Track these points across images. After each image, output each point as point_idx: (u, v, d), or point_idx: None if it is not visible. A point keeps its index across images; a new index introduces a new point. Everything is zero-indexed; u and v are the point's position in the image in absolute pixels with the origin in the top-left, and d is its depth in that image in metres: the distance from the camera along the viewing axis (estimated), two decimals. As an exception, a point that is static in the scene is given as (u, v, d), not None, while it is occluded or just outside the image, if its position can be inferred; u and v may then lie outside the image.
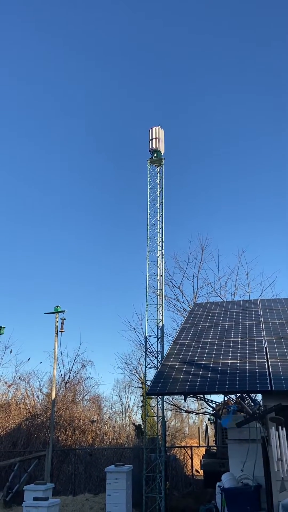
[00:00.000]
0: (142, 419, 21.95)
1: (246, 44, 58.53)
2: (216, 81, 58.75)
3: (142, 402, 22.76)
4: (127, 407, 31.15)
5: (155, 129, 15.90)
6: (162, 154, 15.84)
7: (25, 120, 59.83)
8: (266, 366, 8.08)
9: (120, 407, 31.07)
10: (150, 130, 15.94)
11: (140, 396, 24.16)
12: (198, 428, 26.23)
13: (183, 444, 22.75)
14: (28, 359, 25.19)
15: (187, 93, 59.45)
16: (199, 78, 59.33)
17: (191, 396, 9.27)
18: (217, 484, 9.33)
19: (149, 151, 15.89)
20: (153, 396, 16.91)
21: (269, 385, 7.26)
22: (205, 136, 56.70)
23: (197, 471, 15.19)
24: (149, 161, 15.79)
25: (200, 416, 25.84)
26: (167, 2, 56.90)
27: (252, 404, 10.23)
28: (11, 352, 22.37)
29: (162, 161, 15.72)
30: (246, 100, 58.16)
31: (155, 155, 15.77)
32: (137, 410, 28.63)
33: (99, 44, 60.18)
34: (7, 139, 56.12)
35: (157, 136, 15.82)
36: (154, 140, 15.80)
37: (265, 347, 9.13)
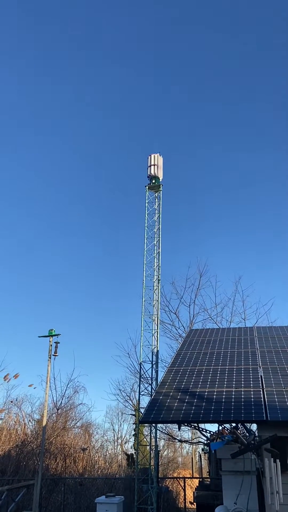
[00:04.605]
0: (134, 448, 21.50)
1: (247, 76, 60.13)
2: (218, 109, 60.06)
3: (134, 430, 22.31)
4: (119, 435, 30.54)
5: (154, 156, 16.18)
6: (161, 180, 16.06)
7: (20, 143, 60.65)
8: (262, 395, 7.97)
9: (112, 435, 30.45)
10: (149, 157, 16.22)
11: (133, 424, 23.71)
12: (192, 458, 25.67)
13: (175, 474, 22.20)
14: (31, 386, 24.79)
15: (187, 120, 60.63)
16: (200, 102, 60.65)
17: (185, 425, 9.12)
18: (210, 517, 9.08)
19: (148, 177, 16.13)
20: (146, 425, 16.62)
21: (264, 415, 7.15)
22: (206, 164, 57.52)
23: (190, 502, 14.79)
24: (147, 187, 15.99)
25: (194, 446, 25.35)
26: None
27: (247, 434, 10.05)
28: (8, 380, 21.74)
29: (160, 187, 15.93)
30: (246, 126, 59.35)
31: (153, 181, 16.01)
32: (130, 438, 28.08)
33: (98, 65, 61.67)
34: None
35: (156, 163, 16.08)
36: (152, 167, 16.05)
37: (261, 376, 9.04)
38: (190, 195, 54.01)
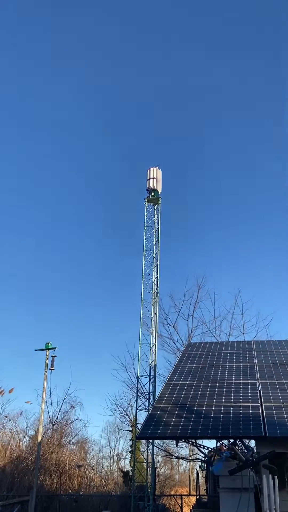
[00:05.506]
0: (131, 465, 21.12)
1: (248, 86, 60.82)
2: (219, 119, 60.58)
3: (131, 446, 21.94)
4: (115, 452, 30.07)
5: (153, 169, 16.25)
6: (159, 193, 16.11)
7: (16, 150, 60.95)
8: (260, 411, 7.85)
9: (109, 451, 29.99)
10: (148, 170, 16.29)
11: (130, 440, 23.34)
12: (189, 475, 25.25)
13: (172, 492, 21.81)
14: (28, 403, 24.62)
15: (187, 134, 61.09)
16: (200, 113, 61.18)
17: (183, 441, 8.96)
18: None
19: (147, 190, 16.18)
20: (143, 441, 16.36)
21: (263, 430, 7.04)
22: (205, 176, 57.79)
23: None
24: (146, 200, 16.02)
25: (191, 463, 24.94)
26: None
27: (245, 450, 9.87)
28: (2, 394, 21.48)
29: (159, 200, 15.96)
30: (247, 136, 59.79)
31: (152, 194, 16.06)
32: (126, 455, 27.62)
33: (97, 76, 62.30)
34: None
35: (155, 176, 16.16)
36: (151, 180, 16.13)
37: (259, 390, 8.92)
38: (190, 204, 54.18)
